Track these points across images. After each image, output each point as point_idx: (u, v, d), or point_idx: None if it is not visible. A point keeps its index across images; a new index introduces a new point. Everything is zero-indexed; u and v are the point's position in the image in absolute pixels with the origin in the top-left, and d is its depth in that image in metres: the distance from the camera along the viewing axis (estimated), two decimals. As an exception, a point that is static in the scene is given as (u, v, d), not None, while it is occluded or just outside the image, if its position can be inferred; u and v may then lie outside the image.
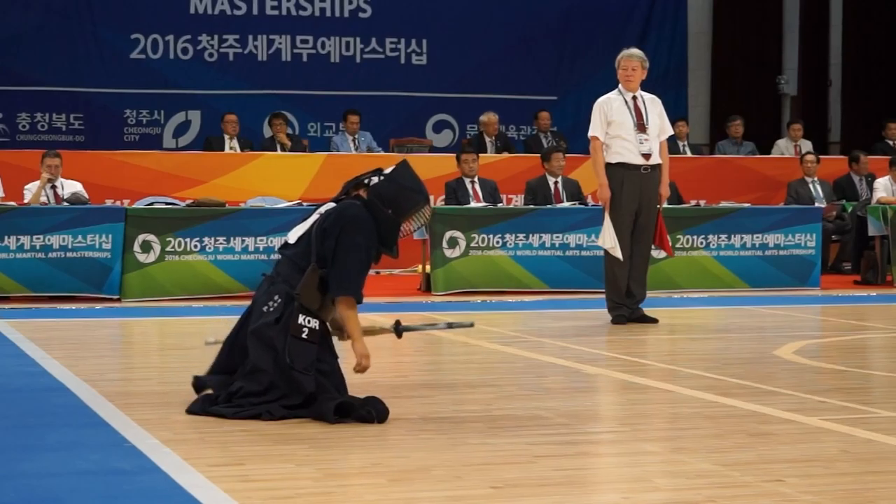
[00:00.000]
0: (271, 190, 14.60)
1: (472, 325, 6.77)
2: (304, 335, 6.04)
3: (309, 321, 6.07)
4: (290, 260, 6.28)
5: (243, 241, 12.73)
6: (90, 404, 6.45)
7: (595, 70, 19.45)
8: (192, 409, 6.19)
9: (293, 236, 6.36)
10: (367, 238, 6.21)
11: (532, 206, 14.08)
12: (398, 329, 6.64)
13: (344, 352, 6.36)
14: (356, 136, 17.21)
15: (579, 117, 17.99)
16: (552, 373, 7.90)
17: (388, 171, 6.37)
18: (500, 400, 6.69)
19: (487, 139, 17.92)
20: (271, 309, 6.13)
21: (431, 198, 15.37)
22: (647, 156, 10.47)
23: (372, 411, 5.96)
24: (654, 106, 10.64)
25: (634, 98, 10.57)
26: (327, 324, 6.26)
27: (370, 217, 6.24)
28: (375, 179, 6.34)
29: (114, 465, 5.07)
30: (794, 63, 21.66)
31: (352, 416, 5.96)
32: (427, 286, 13.53)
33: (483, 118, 18.10)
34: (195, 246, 12.61)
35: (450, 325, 6.80)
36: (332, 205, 6.36)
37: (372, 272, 16.52)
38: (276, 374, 6.02)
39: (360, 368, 6.23)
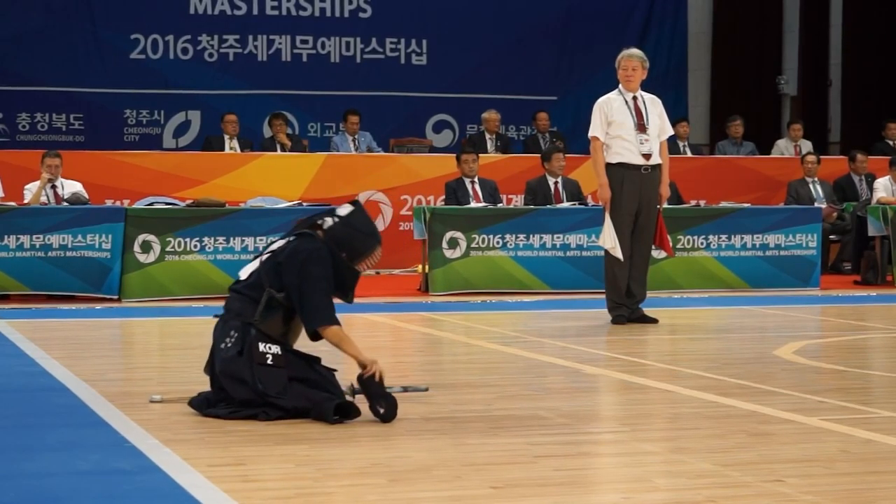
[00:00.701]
0: (271, 190, 14.60)
1: (426, 389, 6.79)
2: (268, 362, 6.03)
3: (270, 347, 6.06)
4: (239, 294, 6.23)
5: (243, 241, 12.73)
6: (90, 404, 6.45)
7: (595, 70, 19.44)
8: (193, 403, 6.21)
9: (244, 273, 6.34)
10: (326, 270, 6.18)
11: (532, 207, 14.08)
12: (353, 390, 6.55)
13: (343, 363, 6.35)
14: (356, 137, 17.22)
15: (579, 117, 18.00)
16: (552, 373, 7.90)
17: (341, 212, 6.32)
18: (500, 400, 6.69)
19: (488, 136, 17.94)
20: (229, 344, 6.11)
21: (431, 198, 15.59)
22: (647, 156, 10.47)
23: (381, 407, 5.96)
24: (654, 106, 10.64)
25: (635, 98, 10.57)
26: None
27: (329, 253, 6.21)
28: (329, 221, 6.29)
29: (114, 465, 5.07)
30: (794, 63, 21.66)
31: (352, 415, 5.96)
32: (427, 286, 13.51)
33: (485, 115, 18.15)
34: (195, 246, 12.61)
35: (405, 389, 6.80)
36: (283, 242, 6.31)
37: (372, 272, 16.60)
38: (262, 398, 6.02)
39: (378, 373, 6.19)
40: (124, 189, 15.00)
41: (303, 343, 6.31)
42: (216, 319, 6.29)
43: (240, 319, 6.13)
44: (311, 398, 6.02)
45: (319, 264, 6.16)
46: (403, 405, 6.40)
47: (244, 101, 19.47)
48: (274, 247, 6.32)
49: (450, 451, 5.35)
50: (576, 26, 21.06)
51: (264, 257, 6.28)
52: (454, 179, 14.66)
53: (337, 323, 6.18)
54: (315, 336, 6.20)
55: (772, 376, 7.62)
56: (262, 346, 6.05)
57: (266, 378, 6.00)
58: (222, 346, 6.13)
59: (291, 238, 6.29)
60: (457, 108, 20.67)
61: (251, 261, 6.39)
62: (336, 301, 6.30)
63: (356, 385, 6.38)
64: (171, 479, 4.79)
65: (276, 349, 6.07)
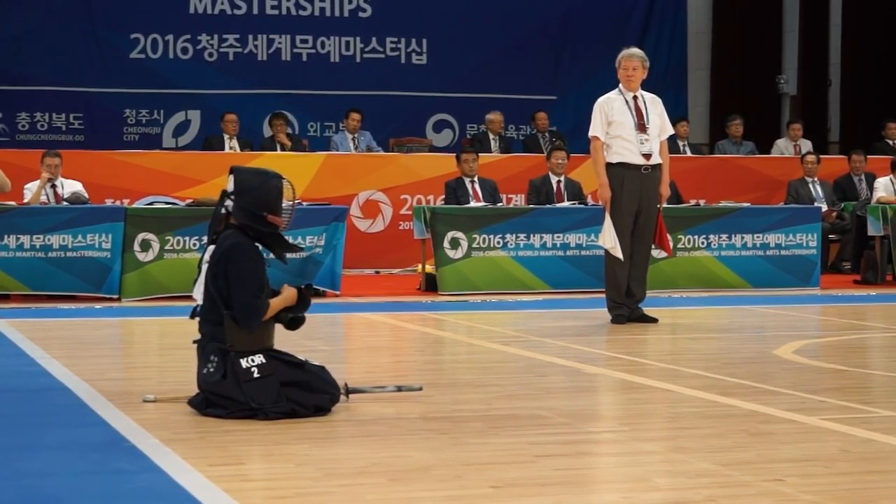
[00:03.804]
0: (271, 190, 14.55)
1: (420, 388, 6.80)
2: (255, 375, 6.02)
3: (252, 360, 6.05)
4: (205, 319, 6.25)
5: (242, 240, 12.71)
6: (90, 404, 6.45)
7: (595, 70, 19.43)
8: (192, 402, 6.20)
9: (198, 294, 6.32)
10: (249, 263, 6.15)
11: (532, 206, 14.09)
12: (347, 391, 6.54)
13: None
14: (356, 136, 17.22)
15: (579, 117, 17.99)
16: (552, 372, 7.90)
17: (229, 187, 6.27)
18: (500, 399, 6.69)
19: (492, 137, 17.98)
20: (211, 369, 6.11)
21: (431, 197, 15.59)
22: (647, 156, 10.46)
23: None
24: (654, 106, 10.63)
25: (635, 98, 10.56)
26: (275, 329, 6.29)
27: (246, 238, 6.19)
28: (230, 203, 6.26)
29: (114, 464, 5.07)
30: (794, 63, 21.66)
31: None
32: (427, 286, 13.52)
33: (489, 116, 18.21)
34: (194, 244, 12.61)
35: (399, 389, 6.81)
36: (213, 249, 6.28)
37: (371, 272, 16.45)
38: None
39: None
40: (124, 189, 15.01)
41: (291, 347, 6.31)
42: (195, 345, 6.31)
43: (214, 343, 6.14)
44: (307, 402, 6.02)
45: (239, 259, 6.14)
46: (403, 405, 6.41)
47: (244, 100, 19.47)
48: (207, 256, 6.30)
49: (449, 451, 5.34)
50: (576, 26, 21.05)
51: (206, 272, 6.27)
52: (454, 179, 14.66)
53: (264, 309, 6.15)
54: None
55: (772, 376, 7.61)
56: (244, 363, 6.04)
57: (257, 393, 5.99)
58: (205, 371, 6.15)
59: (216, 243, 6.27)
60: (457, 107, 20.66)
61: (197, 275, 6.37)
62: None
63: (349, 386, 6.42)
64: (170, 478, 4.79)
65: (259, 359, 6.06)
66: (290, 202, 6.33)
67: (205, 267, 6.28)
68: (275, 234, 6.28)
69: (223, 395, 6.04)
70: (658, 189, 10.50)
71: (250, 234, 6.24)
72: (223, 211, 6.30)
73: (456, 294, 13.09)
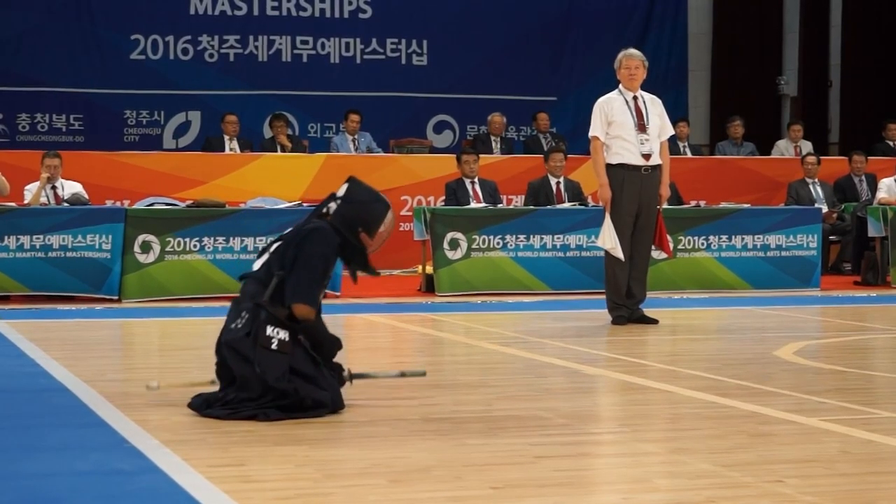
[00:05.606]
0: (271, 190, 14.60)
1: (424, 373, 6.82)
2: (273, 346, 6.01)
3: (278, 332, 6.03)
4: (253, 279, 6.25)
5: (243, 241, 12.72)
6: (90, 404, 6.45)
7: (595, 70, 19.45)
8: (192, 405, 6.20)
9: (257, 265, 6.34)
10: (326, 250, 6.19)
11: (532, 207, 14.08)
12: (351, 377, 6.54)
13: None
14: (356, 137, 17.22)
15: (579, 118, 18.00)
16: (552, 373, 7.90)
17: (339, 192, 6.34)
18: (500, 400, 6.69)
19: (493, 138, 17.99)
20: (239, 325, 6.10)
21: (431, 198, 15.58)
22: (647, 156, 10.46)
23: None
24: (654, 106, 10.63)
25: (635, 98, 10.56)
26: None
27: (335, 235, 6.23)
28: (333, 206, 6.31)
29: (114, 465, 5.07)
30: (794, 63, 21.66)
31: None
32: (427, 287, 13.52)
33: (491, 117, 18.23)
34: (194, 245, 12.61)
35: (402, 374, 6.82)
36: (292, 229, 6.32)
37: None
38: (262, 383, 6.00)
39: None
40: (124, 189, 15.01)
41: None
42: (225, 311, 6.31)
43: (252, 301, 6.14)
44: (308, 393, 6.02)
45: (319, 243, 6.18)
46: (403, 405, 6.41)
47: (244, 101, 19.47)
48: (284, 233, 6.35)
49: (450, 452, 5.35)
50: (576, 26, 21.06)
51: (273, 247, 6.30)
52: (454, 180, 14.66)
53: (312, 304, 6.16)
54: (290, 316, 6.15)
55: (772, 377, 7.61)
56: (269, 330, 6.03)
57: (266, 363, 5.99)
58: (232, 326, 6.15)
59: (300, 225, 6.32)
60: (457, 108, 20.66)
61: (263, 255, 6.39)
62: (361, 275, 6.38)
63: (352, 371, 6.43)
64: (170, 479, 4.79)
65: (283, 335, 6.06)
66: (385, 237, 6.44)
67: (275, 245, 6.28)
68: (359, 251, 6.33)
69: (237, 349, 6.03)
70: (658, 190, 10.49)
71: (338, 234, 6.27)
72: (324, 210, 6.34)
73: (453, 295, 13.09)
